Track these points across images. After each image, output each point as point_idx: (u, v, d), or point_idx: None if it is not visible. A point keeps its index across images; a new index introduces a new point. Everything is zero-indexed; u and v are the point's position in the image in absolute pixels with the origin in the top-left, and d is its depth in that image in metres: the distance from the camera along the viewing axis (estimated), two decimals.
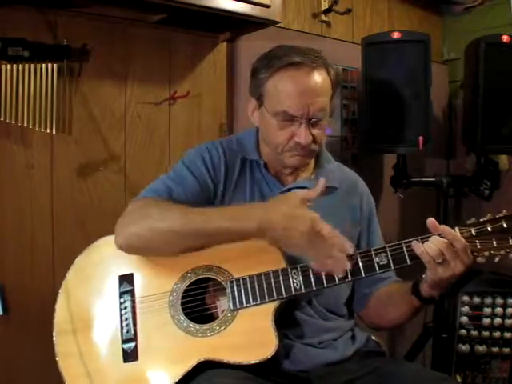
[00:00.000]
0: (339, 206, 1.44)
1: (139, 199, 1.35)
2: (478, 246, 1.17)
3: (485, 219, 1.18)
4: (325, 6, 2.42)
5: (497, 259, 1.17)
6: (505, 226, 1.16)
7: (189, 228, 1.23)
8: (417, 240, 1.19)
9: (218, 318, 1.25)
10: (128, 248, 1.29)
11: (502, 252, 1.16)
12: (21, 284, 1.74)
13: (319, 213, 1.38)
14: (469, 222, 1.20)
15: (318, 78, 1.31)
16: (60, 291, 1.33)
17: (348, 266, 1.19)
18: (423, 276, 1.23)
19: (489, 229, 1.17)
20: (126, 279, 1.32)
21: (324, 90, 1.33)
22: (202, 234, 1.23)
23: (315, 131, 1.33)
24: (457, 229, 1.18)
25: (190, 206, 1.28)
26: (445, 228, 1.17)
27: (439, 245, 1.15)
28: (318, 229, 1.16)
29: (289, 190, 1.40)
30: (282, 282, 1.23)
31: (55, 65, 1.71)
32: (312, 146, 1.35)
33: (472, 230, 1.17)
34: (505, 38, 2.19)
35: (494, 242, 1.16)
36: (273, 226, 1.18)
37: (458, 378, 2.16)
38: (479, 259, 1.18)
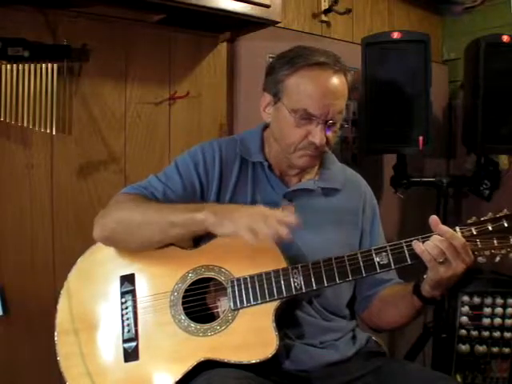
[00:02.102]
0: (341, 207, 1.44)
1: (121, 194, 1.39)
2: (479, 245, 1.17)
3: (485, 218, 1.18)
4: (325, 6, 2.42)
5: (497, 259, 1.17)
6: (505, 225, 1.15)
7: (148, 220, 1.28)
8: (417, 239, 1.19)
9: (218, 317, 1.25)
10: (100, 238, 1.34)
11: (503, 251, 1.16)
12: (21, 284, 1.74)
13: (320, 214, 1.39)
14: (469, 221, 1.19)
15: (339, 81, 1.32)
16: (62, 292, 1.34)
17: (284, 232, 1.13)
18: (424, 276, 1.23)
19: (489, 228, 1.16)
20: (128, 279, 1.32)
21: (343, 93, 1.34)
22: (158, 222, 1.27)
23: (329, 133, 1.34)
24: (457, 228, 1.18)
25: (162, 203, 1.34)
26: (442, 227, 1.16)
27: (440, 244, 1.15)
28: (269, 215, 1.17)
29: (292, 191, 1.40)
30: (282, 281, 1.23)
31: (55, 65, 1.71)
32: (324, 147, 1.36)
33: (473, 229, 1.17)
34: (505, 38, 2.19)
35: (495, 241, 1.16)
36: (212, 208, 1.23)
37: (458, 378, 2.16)
38: (480, 258, 1.18)
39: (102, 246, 1.36)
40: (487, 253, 1.17)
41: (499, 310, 2.18)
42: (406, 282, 1.39)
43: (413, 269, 1.24)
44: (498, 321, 2.17)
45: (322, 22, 2.44)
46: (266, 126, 1.47)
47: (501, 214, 1.17)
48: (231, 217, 1.19)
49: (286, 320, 1.28)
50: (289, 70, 1.33)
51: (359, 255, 1.23)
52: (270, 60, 1.48)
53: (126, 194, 1.38)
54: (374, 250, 1.23)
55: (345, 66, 1.35)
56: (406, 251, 1.20)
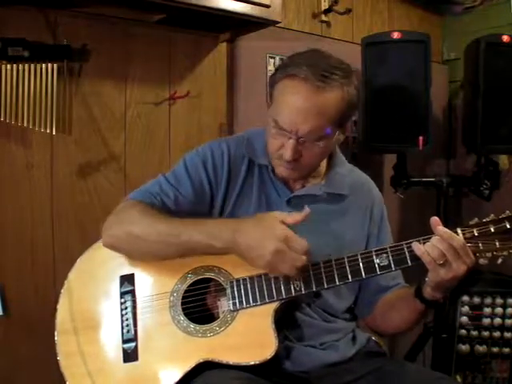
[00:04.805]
0: (347, 213, 1.41)
1: (130, 200, 1.35)
2: (481, 247, 1.15)
3: (487, 220, 1.16)
4: (325, 6, 2.42)
5: (499, 260, 1.15)
6: (508, 226, 1.14)
7: (162, 237, 1.25)
8: (418, 241, 1.17)
9: (218, 318, 1.25)
10: (109, 247, 1.33)
11: (505, 253, 1.14)
12: (21, 284, 1.74)
13: (325, 220, 1.37)
14: (471, 222, 1.17)
15: (320, 98, 1.21)
16: (62, 291, 1.34)
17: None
18: (426, 279, 1.21)
19: (491, 229, 1.14)
20: (127, 279, 1.32)
21: (322, 113, 1.22)
22: (175, 243, 1.25)
23: (305, 151, 1.27)
24: (459, 229, 1.16)
25: (173, 215, 1.29)
26: (441, 228, 1.15)
27: (440, 245, 1.13)
28: (292, 245, 1.15)
29: (296, 196, 1.37)
30: (281, 282, 1.22)
31: (55, 65, 1.71)
32: (299, 162, 1.29)
33: (474, 231, 1.15)
34: (505, 38, 2.19)
35: (497, 243, 1.14)
36: (237, 247, 1.20)
37: (458, 378, 2.16)
38: (481, 260, 1.16)
39: (102, 245, 1.34)
40: (489, 255, 1.15)
41: (499, 310, 2.18)
42: (411, 285, 1.37)
43: (417, 271, 1.23)
44: (497, 321, 2.17)
45: (322, 21, 2.44)
46: None
47: (503, 216, 1.15)
48: (257, 253, 1.17)
49: (286, 322, 1.28)
50: (279, 75, 1.28)
51: (359, 256, 1.21)
52: (271, 60, 1.46)
53: (135, 201, 1.34)
54: (375, 251, 1.21)
55: (346, 80, 1.24)
56: (406, 253, 1.19)
